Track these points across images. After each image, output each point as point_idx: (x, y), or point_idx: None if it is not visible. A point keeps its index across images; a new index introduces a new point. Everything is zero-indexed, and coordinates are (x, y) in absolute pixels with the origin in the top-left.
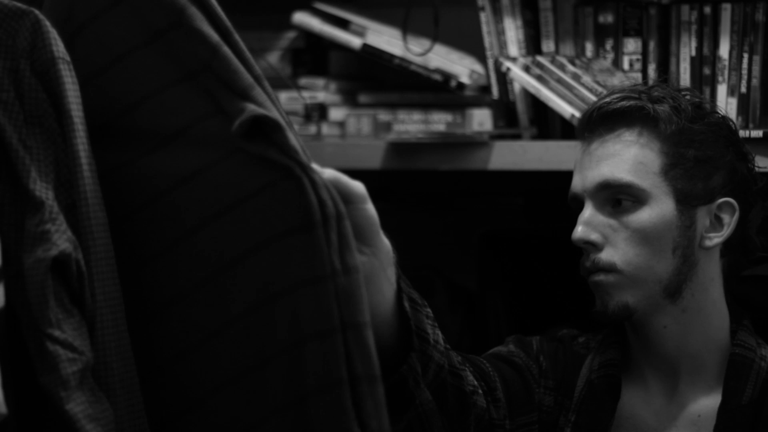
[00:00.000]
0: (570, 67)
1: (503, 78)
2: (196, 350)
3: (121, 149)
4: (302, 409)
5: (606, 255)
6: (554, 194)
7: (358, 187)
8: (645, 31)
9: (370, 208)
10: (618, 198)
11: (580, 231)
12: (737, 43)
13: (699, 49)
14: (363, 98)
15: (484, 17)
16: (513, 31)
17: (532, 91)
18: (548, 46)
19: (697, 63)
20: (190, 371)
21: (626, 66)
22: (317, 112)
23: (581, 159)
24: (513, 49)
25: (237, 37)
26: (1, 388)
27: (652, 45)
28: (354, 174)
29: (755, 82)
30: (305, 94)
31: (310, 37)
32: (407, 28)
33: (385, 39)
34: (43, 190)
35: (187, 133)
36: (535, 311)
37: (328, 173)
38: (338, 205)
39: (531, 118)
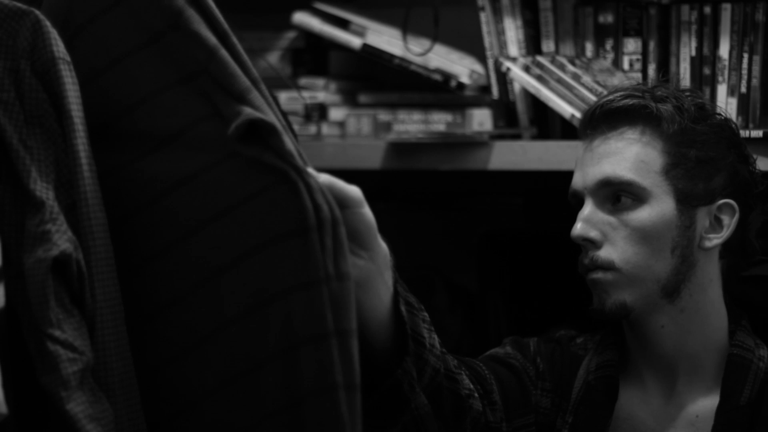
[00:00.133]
0: (570, 67)
1: (503, 78)
2: (190, 353)
3: (119, 151)
4: (296, 412)
5: (605, 253)
6: (554, 194)
7: (354, 191)
8: (645, 31)
9: (367, 212)
10: (618, 196)
11: (579, 228)
12: (737, 43)
13: (699, 49)
14: (363, 98)
15: (484, 17)
16: (513, 31)
17: (532, 91)
18: (548, 46)
19: (697, 63)
20: (184, 374)
21: (626, 66)
22: (317, 112)
23: (582, 156)
24: (513, 49)
25: (234, 39)
26: (1, 388)
27: (652, 45)
28: (354, 174)
29: (755, 82)
30: (305, 94)
31: (310, 37)
32: (407, 28)
33: (385, 39)
34: (43, 190)
35: (184, 136)
36: (535, 311)
37: (324, 178)
38: (334, 210)
39: (531, 118)
